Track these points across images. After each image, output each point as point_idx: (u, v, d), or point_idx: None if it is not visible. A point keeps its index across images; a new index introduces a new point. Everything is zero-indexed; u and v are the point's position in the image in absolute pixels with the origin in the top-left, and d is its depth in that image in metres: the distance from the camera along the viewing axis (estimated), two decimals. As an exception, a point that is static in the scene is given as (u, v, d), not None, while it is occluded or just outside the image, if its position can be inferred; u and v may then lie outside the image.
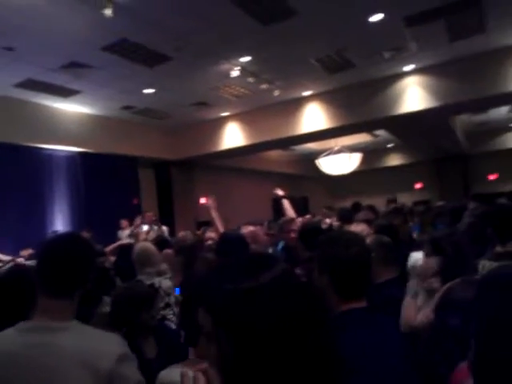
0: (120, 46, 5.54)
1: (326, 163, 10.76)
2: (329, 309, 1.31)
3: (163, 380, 1.32)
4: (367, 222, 3.48)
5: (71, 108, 7.82)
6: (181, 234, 4.10)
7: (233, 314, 0.67)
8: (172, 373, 1.30)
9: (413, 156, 14.85)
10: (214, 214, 3.67)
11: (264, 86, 7.53)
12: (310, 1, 4.88)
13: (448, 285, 1.67)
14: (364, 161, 11.40)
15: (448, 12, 5.49)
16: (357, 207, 5.78)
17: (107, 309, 2.24)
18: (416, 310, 2.05)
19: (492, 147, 13.99)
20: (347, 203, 7.50)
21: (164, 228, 7.47)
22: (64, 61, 5.87)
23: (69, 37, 5.18)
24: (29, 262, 3.50)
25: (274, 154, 13.57)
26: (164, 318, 2.82)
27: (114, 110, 8.25)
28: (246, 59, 6.45)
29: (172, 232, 8.34)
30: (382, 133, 11.68)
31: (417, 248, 2.90)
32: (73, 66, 6.03)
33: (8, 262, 4.33)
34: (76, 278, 1.35)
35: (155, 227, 6.70)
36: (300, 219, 3.94)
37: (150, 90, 7.34)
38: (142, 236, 5.96)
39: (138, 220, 7.09)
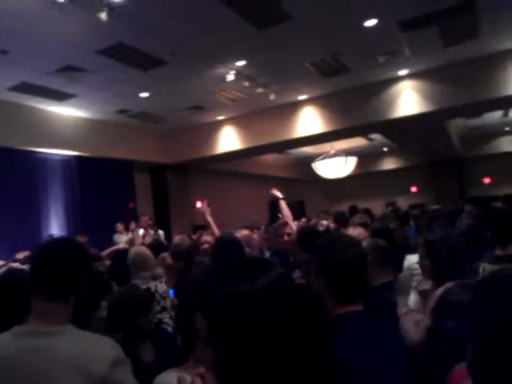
0: (115, 49, 5.54)
1: (322, 167, 10.79)
2: (325, 312, 1.31)
3: (159, 384, 1.31)
4: (363, 225, 3.49)
5: (66, 112, 7.80)
6: (177, 237, 4.08)
7: (228, 319, 0.66)
8: (168, 377, 1.29)
9: (408, 160, 14.94)
10: (209, 218, 3.67)
11: (259, 90, 7.55)
12: (304, 5, 4.90)
13: (445, 287, 1.68)
14: (360, 164, 11.45)
15: (441, 17, 5.54)
16: (354, 210, 5.80)
17: (105, 313, 2.23)
18: (415, 325, 1.98)
19: (486, 151, 14.11)
20: (343, 207, 7.53)
21: (160, 232, 7.46)
22: (59, 64, 5.86)
23: (64, 40, 5.17)
24: (24, 266, 3.47)
25: (270, 157, 13.59)
26: (160, 321, 2.82)
27: (110, 114, 8.24)
28: (241, 63, 6.47)
29: (168, 236, 8.33)
30: (377, 137, 11.74)
31: (412, 251, 2.91)
32: (68, 69, 6.02)
33: (1, 266, 4.30)
34: (70, 282, 1.36)
35: (151, 231, 6.68)
36: (296, 223, 3.94)
37: (146, 94, 7.34)
38: (138, 240, 5.94)
39: (132, 225, 7.08)
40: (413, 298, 2.29)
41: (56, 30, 4.90)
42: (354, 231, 2.96)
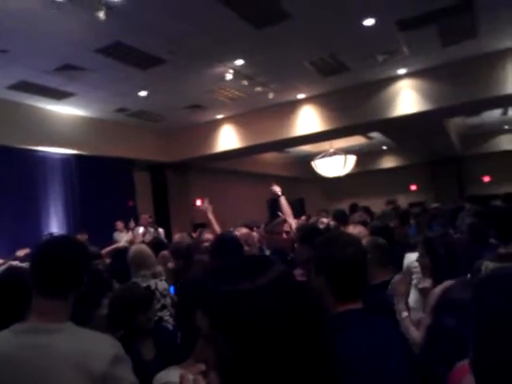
0: (114, 48, 5.54)
1: (322, 165, 10.79)
2: (326, 310, 1.31)
3: (160, 382, 1.31)
4: (362, 223, 3.49)
5: (65, 110, 7.79)
6: (177, 236, 4.09)
7: (230, 317, 0.67)
8: (169, 374, 1.30)
9: (407, 158, 14.94)
10: (210, 216, 3.67)
11: (258, 89, 7.55)
12: (303, 4, 4.90)
13: (445, 285, 1.68)
14: (359, 163, 11.45)
15: (440, 17, 5.54)
16: (354, 208, 5.81)
17: (106, 311, 2.24)
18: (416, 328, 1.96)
19: (486, 149, 14.12)
20: (343, 205, 7.53)
21: (160, 230, 7.46)
22: (58, 63, 5.85)
23: (63, 39, 5.16)
24: (24, 264, 3.47)
25: (270, 156, 13.58)
26: (161, 319, 2.83)
27: (108, 113, 8.23)
28: (239, 62, 6.47)
29: (168, 234, 8.33)
30: (376, 135, 11.74)
31: (412, 249, 2.91)
32: (67, 68, 6.01)
33: (1, 264, 4.30)
34: (70, 280, 1.36)
35: (151, 229, 6.68)
36: (295, 221, 3.94)
37: (144, 93, 7.33)
38: (139, 238, 5.94)
39: (132, 224, 7.07)
40: (413, 297, 2.29)
41: (55, 29, 4.89)
42: (355, 229, 2.96)
